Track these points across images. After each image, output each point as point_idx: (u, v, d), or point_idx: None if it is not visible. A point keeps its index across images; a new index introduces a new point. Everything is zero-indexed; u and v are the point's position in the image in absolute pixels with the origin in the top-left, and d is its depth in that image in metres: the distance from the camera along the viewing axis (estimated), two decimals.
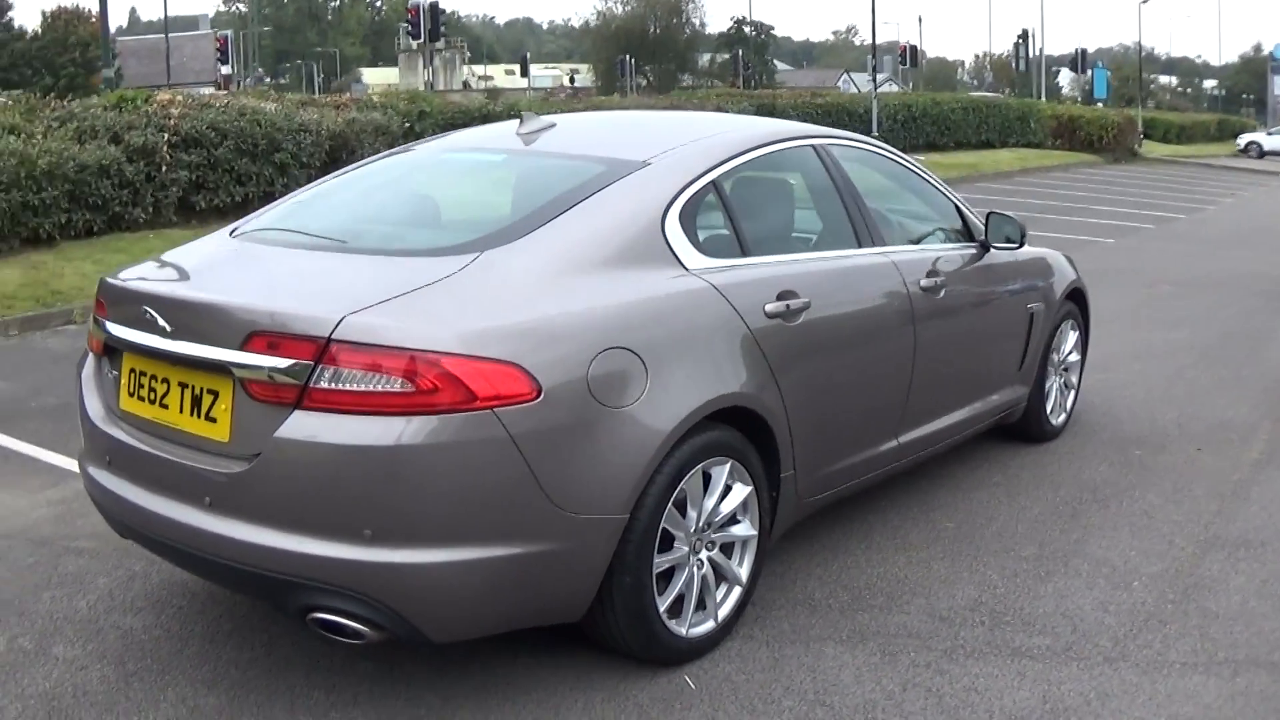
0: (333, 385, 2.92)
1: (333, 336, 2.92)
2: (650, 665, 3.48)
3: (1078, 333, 5.98)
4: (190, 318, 3.20)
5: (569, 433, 3.08)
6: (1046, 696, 3.38)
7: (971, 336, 4.90)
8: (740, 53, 66.87)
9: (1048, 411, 5.74)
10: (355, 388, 2.91)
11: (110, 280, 3.58)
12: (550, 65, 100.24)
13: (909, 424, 4.49)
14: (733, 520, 3.63)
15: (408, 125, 14.60)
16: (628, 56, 65.66)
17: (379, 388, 2.90)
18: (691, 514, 3.45)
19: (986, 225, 5.01)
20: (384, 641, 3.11)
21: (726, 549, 3.64)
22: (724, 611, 3.62)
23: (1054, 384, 5.81)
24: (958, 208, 5.08)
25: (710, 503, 3.50)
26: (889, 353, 4.28)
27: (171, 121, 11.17)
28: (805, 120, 22.93)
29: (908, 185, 5.00)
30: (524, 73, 67.52)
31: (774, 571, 4.18)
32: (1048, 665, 3.57)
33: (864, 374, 4.16)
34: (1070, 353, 5.94)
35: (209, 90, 29.43)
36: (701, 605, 3.55)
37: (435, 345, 2.93)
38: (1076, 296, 5.94)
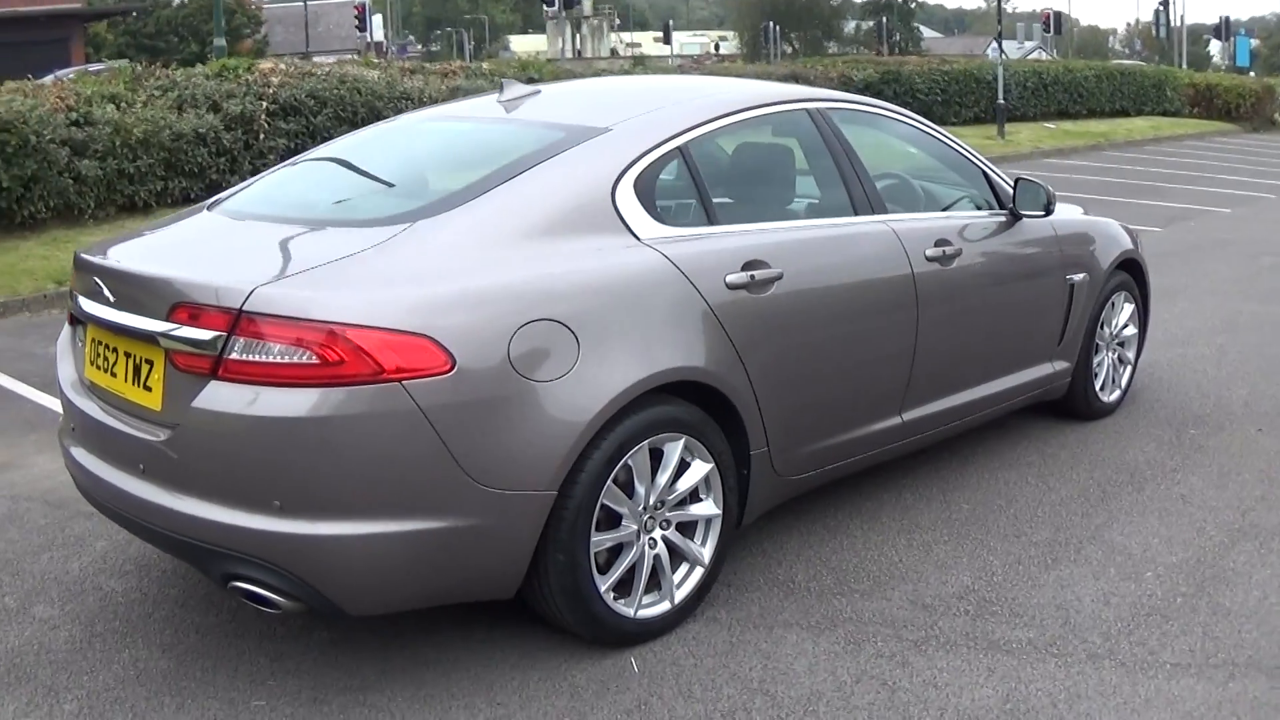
0: (244, 356, 2.85)
1: (243, 308, 2.85)
2: (602, 646, 3.33)
3: (1133, 305, 5.51)
4: (129, 289, 3.18)
5: (487, 407, 2.93)
6: (1010, 695, 3.09)
7: (995, 309, 4.54)
8: (885, 20, 65.07)
9: (1096, 388, 5.32)
10: (265, 359, 2.83)
11: (78, 252, 3.58)
12: (699, 32, 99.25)
13: (915, 400, 4.19)
14: (693, 498, 3.44)
15: None
16: (771, 23, 64.63)
17: (287, 359, 2.82)
18: (640, 491, 3.26)
19: (1015, 193, 4.64)
20: (305, 611, 3.05)
21: (686, 528, 3.44)
22: (682, 593, 3.42)
23: (1105, 359, 5.38)
24: (986, 175, 4.71)
25: (663, 480, 3.31)
26: (885, 326, 3.99)
27: (270, 90, 11.33)
28: (932, 88, 22.37)
29: (930, 152, 4.66)
30: (666, 40, 66.97)
31: (761, 551, 3.97)
32: (1022, 661, 3.27)
33: (853, 348, 3.88)
34: (1124, 326, 5.49)
35: (350, 57, 29.62)
36: (655, 586, 3.37)
37: (341, 317, 2.82)
38: (1131, 267, 5.48)
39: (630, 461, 3.21)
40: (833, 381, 3.83)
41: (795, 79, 20.81)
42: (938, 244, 4.19)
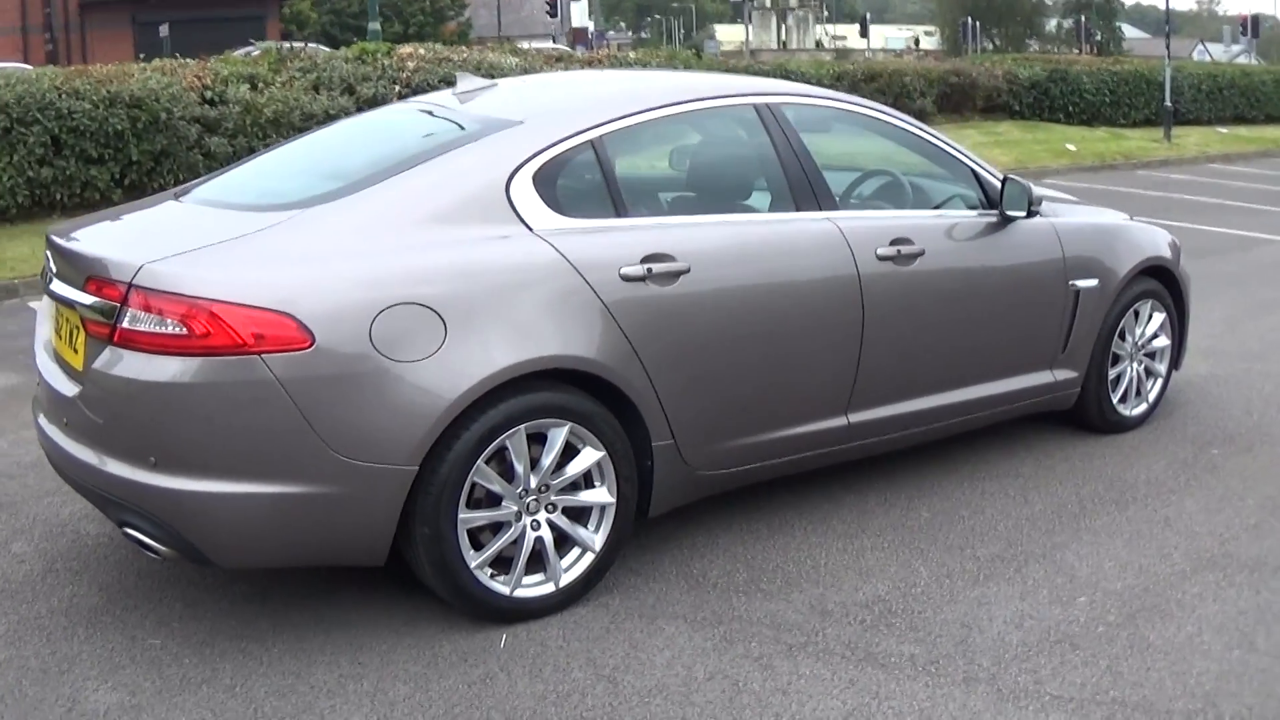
0: (131, 325, 2.98)
1: (132, 281, 2.98)
2: (481, 620, 3.29)
3: (1164, 315, 5.06)
4: (65, 264, 3.34)
5: (347, 382, 2.96)
6: (855, 711, 2.89)
7: (972, 312, 4.24)
8: (1084, 19, 61.95)
9: (1114, 400, 4.91)
10: (147, 328, 2.95)
11: (48, 231, 3.77)
12: (905, 27, 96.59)
13: (866, 403, 3.97)
14: (586, 484, 3.37)
15: None
16: (970, 19, 62.46)
17: (163, 329, 2.93)
18: (520, 473, 3.22)
19: (1002, 192, 4.34)
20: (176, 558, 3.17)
21: (577, 514, 3.36)
22: (569, 578, 3.35)
23: (1128, 371, 4.96)
24: (975, 174, 4.41)
25: (547, 464, 3.26)
26: (820, 324, 3.77)
27: (405, 74, 11.62)
28: (1100, 88, 21.16)
29: (913, 149, 4.37)
30: (863, 33, 65.61)
31: (689, 544, 3.84)
32: (892, 677, 3.05)
33: (780, 346, 3.68)
34: (1154, 337, 5.04)
35: (544, 45, 29.75)
36: (540, 568, 3.32)
37: (209, 293, 2.92)
38: (1162, 275, 5.04)
39: (508, 444, 3.17)
40: (754, 379, 3.65)
41: (957, 75, 20.09)
42: (894, 243, 3.94)
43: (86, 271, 3.15)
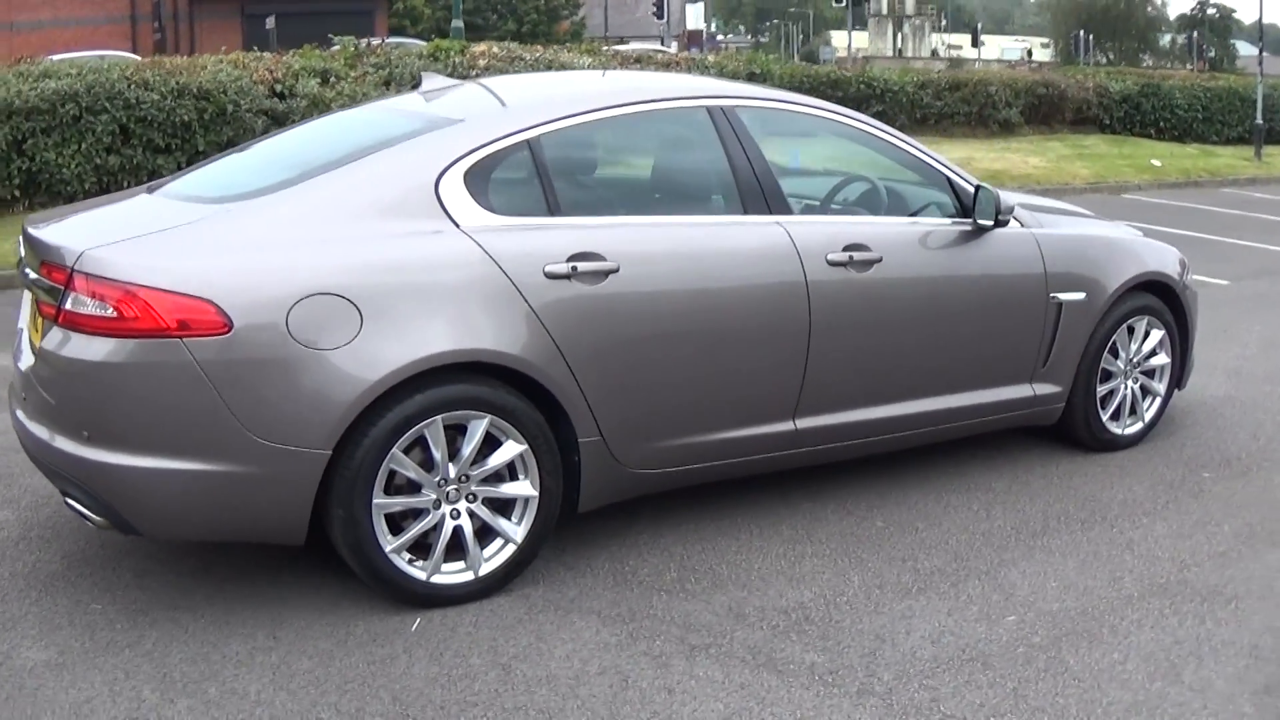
0: (74, 308, 3.08)
1: (74, 266, 3.08)
2: (399, 604, 3.31)
3: (1163, 332, 4.84)
4: (29, 250, 3.46)
5: (263, 367, 3.02)
6: (734, 715, 2.82)
7: (939, 322, 4.11)
8: (1195, 34, 59.86)
9: (1103, 418, 4.72)
10: (86, 311, 3.05)
11: (25, 222, 3.92)
12: (1020, 38, 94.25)
13: (815, 409, 3.88)
14: (511, 476, 3.38)
15: None
16: (1082, 32, 60.80)
17: (100, 312, 3.02)
18: (439, 462, 3.24)
19: (975, 201, 4.22)
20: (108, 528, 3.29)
21: (500, 506, 3.37)
22: (489, 567, 3.35)
23: (1121, 388, 4.76)
24: (950, 182, 4.28)
25: (467, 454, 3.27)
26: (762, 328, 3.70)
27: (474, 72, 11.73)
28: (1192, 104, 20.36)
29: (886, 156, 4.25)
30: (974, 43, 64.52)
31: (630, 541, 3.80)
32: (783, 684, 2.97)
33: (716, 347, 3.62)
34: (1151, 354, 4.83)
35: (640, 46, 29.47)
36: (460, 555, 3.33)
37: (136, 278, 3.01)
38: (1161, 290, 4.82)
39: (426, 434, 3.20)
40: (689, 380, 3.60)
41: (1045, 86, 19.52)
42: (847, 249, 3.84)
43: (42, 256, 3.26)
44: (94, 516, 3.18)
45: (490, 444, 3.31)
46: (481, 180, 3.39)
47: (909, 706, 2.91)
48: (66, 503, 3.28)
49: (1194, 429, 5.15)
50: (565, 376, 3.35)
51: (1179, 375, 5.02)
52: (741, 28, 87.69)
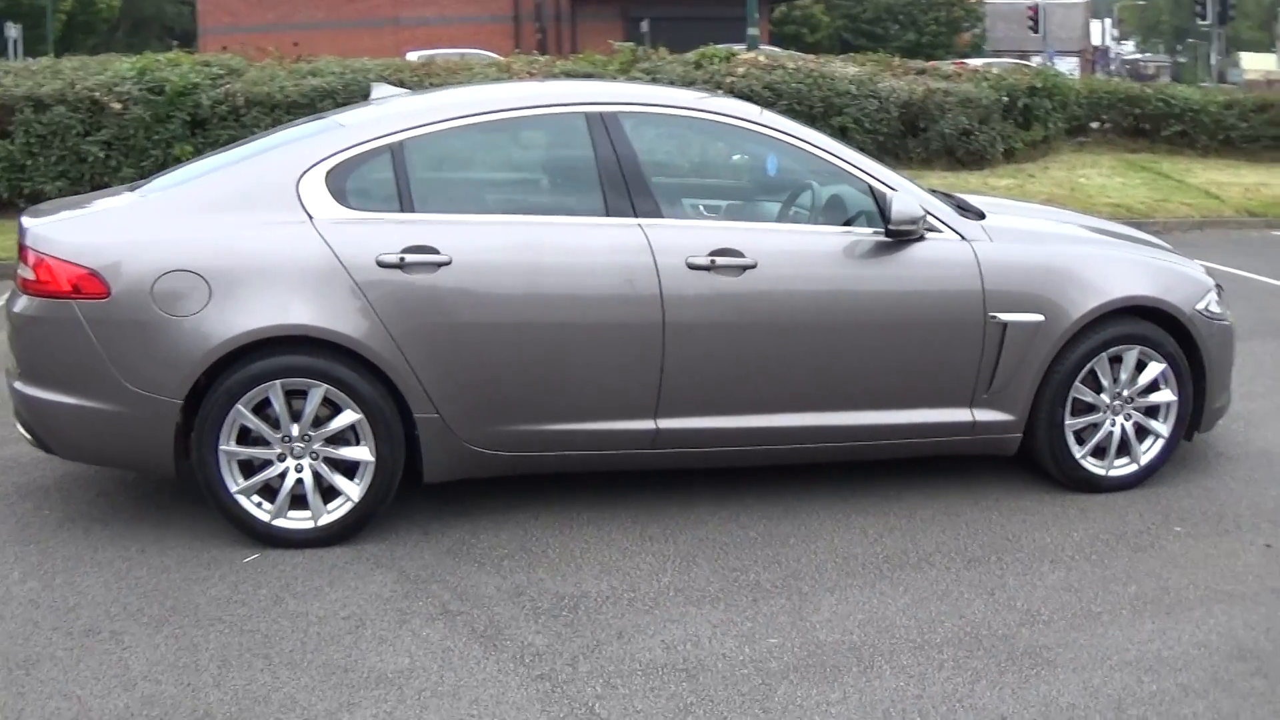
0: (21, 273, 3.80)
1: (23, 240, 3.81)
2: (252, 540, 3.76)
3: (1165, 365, 4.21)
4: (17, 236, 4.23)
5: (132, 327, 3.61)
6: (414, 668, 3.03)
7: (832, 332, 3.94)
8: None
9: (1075, 454, 4.20)
10: (25, 275, 3.77)
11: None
12: None
13: (680, 410, 3.86)
14: (354, 441, 3.73)
15: (1006, 99, 13.29)
16: None
17: (29, 275, 3.74)
18: (283, 421, 3.68)
19: (884, 209, 3.94)
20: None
21: (340, 466, 3.74)
22: (327, 519, 3.73)
23: (1106, 423, 4.22)
24: (871, 189, 4.01)
25: (307, 416, 3.67)
26: (608, 325, 3.78)
27: (730, 80, 11.85)
28: (1267, 114, 16.02)
29: (795, 160, 4.17)
30: None
31: (502, 517, 3.99)
32: (483, 655, 3.11)
33: (555, 340, 3.75)
34: (1149, 389, 4.23)
35: (1063, 62, 26.32)
36: (302, 505, 3.74)
37: (46, 250, 3.68)
38: (1162, 319, 4.23)
39: (270, 395, 3.65)
40: (528, 370, 3.76)
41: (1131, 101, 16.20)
42: (713, 254, 3.80)
43: (17, 237, 4.03)
44: (28, 436, 3.92)
45: (335, 411, 3.71)
46: (342, 179, 3.77)
47: (575, 699, 2.94)
48: (16, 427, 4.03)
49: (1208, 480, 4.47)
50: (396, 356, 3.67)
51: (1193, 417, 4.39)
52: (1160, 46, 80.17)
